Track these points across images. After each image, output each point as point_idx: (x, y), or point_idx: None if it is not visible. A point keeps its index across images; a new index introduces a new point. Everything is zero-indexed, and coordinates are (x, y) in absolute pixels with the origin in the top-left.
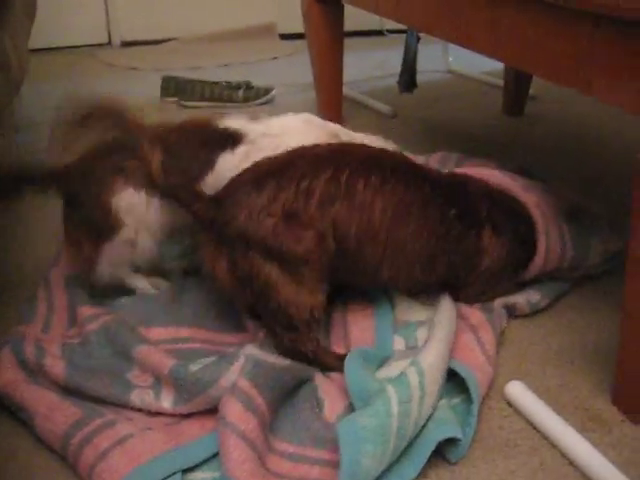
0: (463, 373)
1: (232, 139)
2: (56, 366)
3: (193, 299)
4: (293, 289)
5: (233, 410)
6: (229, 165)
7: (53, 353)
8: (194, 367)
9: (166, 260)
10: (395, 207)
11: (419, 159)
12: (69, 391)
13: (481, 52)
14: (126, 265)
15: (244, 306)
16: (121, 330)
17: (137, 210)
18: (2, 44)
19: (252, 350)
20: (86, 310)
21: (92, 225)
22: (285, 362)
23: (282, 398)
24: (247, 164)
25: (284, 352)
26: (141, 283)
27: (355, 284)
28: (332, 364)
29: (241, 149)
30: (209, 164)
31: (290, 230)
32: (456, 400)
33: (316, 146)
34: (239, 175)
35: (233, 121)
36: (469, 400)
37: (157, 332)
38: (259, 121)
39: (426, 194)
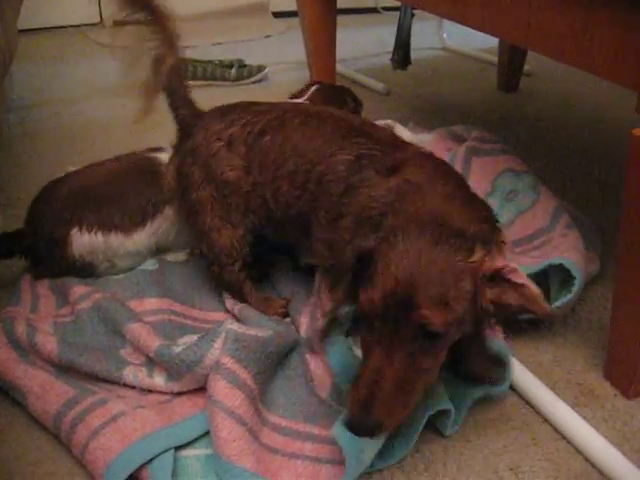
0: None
1: None
2: (48, 343)
3: (180, 279)
4: (217, 216)
5: (219, 388)
6: None
7: (45, 330)
8: (177, 349)
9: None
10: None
11: (424, 136)
12: (62, 368)
13: (476, 28)
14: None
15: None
16: (112, 307)
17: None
18: None
19: (231, 325)
20: (78, 289)
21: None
22: (267, 332)
23: (271, 368)
24: None
25: (215, 280)
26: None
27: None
28: (254, 303)
29: None
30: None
31: (228, 157)
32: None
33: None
34: (221, 106)
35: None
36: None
37: (152, 302)
38: None
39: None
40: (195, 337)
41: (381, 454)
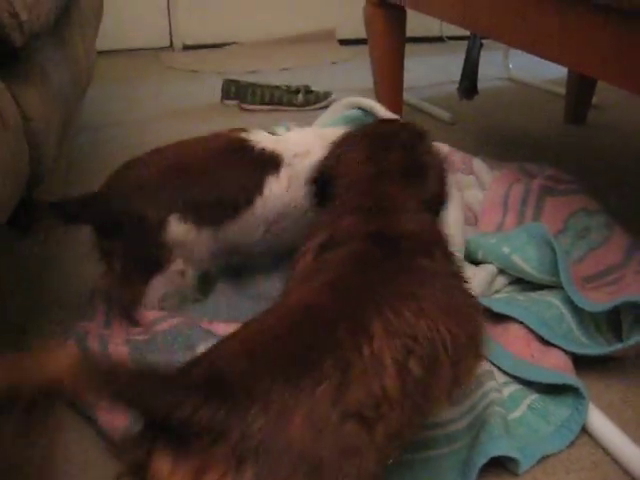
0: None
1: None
2: (120, 351)
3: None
4: None
5: None
6: (277, 190)
7: (117, 342)
8: None
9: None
10: None
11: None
12: None
13: (547, 57)
14: (176, 296)
15: None
16: (188, 327)
17: (188, 243)
18: (75, 46)
19: None
20: (151, 314)
21: (139, 258)
22: None
23: None
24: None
25: None
26: None
27: None
28: None
29: (283, 173)
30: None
31: None
32: (515, 414)
33: None
34: None
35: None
36: (532, 416)
37: (220, 327)
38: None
39: None
40: None
41: None
